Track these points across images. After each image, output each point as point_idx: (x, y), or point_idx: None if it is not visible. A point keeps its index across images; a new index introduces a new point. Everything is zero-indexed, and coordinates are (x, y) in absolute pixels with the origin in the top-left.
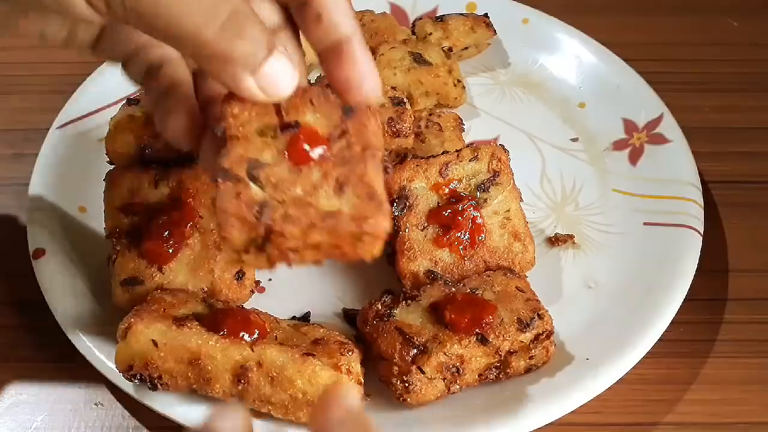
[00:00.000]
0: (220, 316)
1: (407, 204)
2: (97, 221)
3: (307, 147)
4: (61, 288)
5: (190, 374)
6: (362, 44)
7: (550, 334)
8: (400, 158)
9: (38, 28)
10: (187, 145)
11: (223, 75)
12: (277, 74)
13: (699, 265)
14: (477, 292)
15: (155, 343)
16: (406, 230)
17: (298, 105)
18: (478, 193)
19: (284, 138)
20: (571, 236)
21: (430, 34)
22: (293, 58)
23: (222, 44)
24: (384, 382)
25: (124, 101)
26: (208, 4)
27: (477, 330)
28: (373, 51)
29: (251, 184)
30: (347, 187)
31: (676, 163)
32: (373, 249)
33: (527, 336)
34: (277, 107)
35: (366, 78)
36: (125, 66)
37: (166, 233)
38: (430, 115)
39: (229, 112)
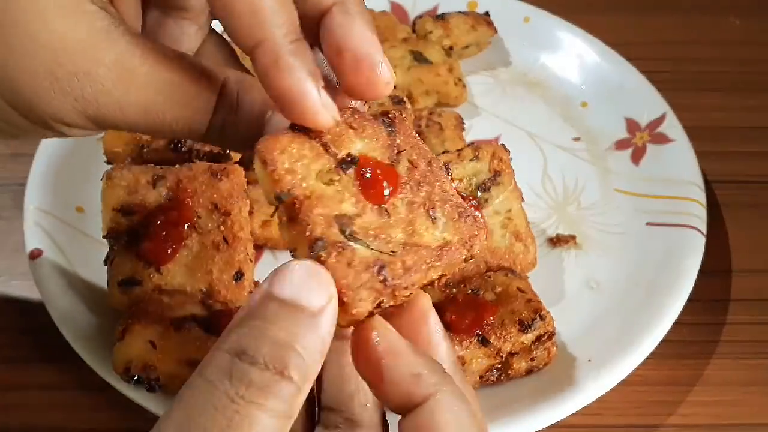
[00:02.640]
0: (219, 318)
1: None
2: (94, 221)
3: (381, 179)
4: (58, 288)
5: (187, 376)
6: (357, 8)
7: (551, 335)
8: None
9: None
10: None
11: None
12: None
13: (702, 265)
14: (478, 293)
15: (153, 345)
16: None
17: (341, 134)
18: (479, 193)
19: (348, 177)
20: (573, 236)
21: (431, 32)
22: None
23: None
24: None
25: None
26: None
27: (478, 331)
28: None
29: (354, 245)
30: (436, 211)
31: (678, 163)
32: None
33: (529, 337)
34: (324, 143)
35: (366, 48)
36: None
37: (164, 234)
38: (431, 114)
39: (280, 167)
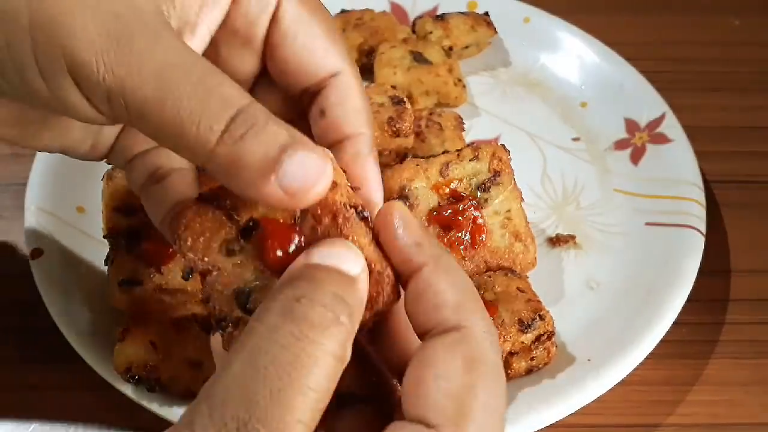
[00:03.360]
0: None
1: (407, 204)
2: (95, 221)
3: (270, 242)
4: (59, 288)
5: (188, 376)
6: (368, 147)
7: (551, 335)
8: (400, 158)
9: (59, 143)
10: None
11: (239, 183)
12: (307, 170)
13: (701, 265)
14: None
15: (154, 345)
16: None
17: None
18: (479, 193)
19: (250, 245)
20: (572, 236)
21: (431, 32)
22: (321, 150)
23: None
24: None
25: None
26: (214, 105)
27: None
28: (373, 50)
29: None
30: None
31: (678, 163)
32: None
33: (528, 337)
34: (228, 212)
35: (368, 185)
36: (126, 172)
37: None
38: (431, 114)
39: (183, 245)
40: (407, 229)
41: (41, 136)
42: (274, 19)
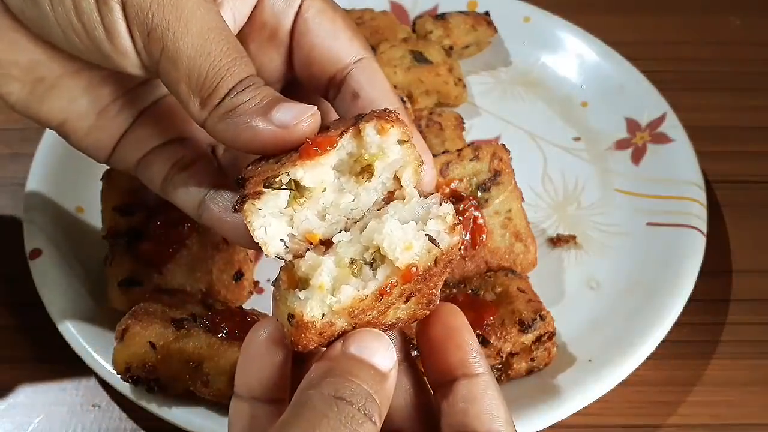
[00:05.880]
0: (219, 318)
1: None
2: (94, 221)
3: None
4: (58, 289)
5: (187, 376)
6: (410, 121)
7: (552, 335)
8: None
9: (62, 114)
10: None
11: (239, 124)
12: (297, 110)
13: (702, 265)
14: (478, 293)
15: (153, 345)
16: None
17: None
18: (479, 193)
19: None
20: (573, 236)
21: (431, 32)
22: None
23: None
24: None
25: None
26: (237, 68)
27: (478, 331)
28: (373, 49)
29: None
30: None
31: (678, 163)
32: None
33: (529, 337)
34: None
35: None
36: (139, 169)
37: (164, 234)
38: (431, 114)
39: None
40: (471, 334)
41: (48, 99)
42: (299, 12)
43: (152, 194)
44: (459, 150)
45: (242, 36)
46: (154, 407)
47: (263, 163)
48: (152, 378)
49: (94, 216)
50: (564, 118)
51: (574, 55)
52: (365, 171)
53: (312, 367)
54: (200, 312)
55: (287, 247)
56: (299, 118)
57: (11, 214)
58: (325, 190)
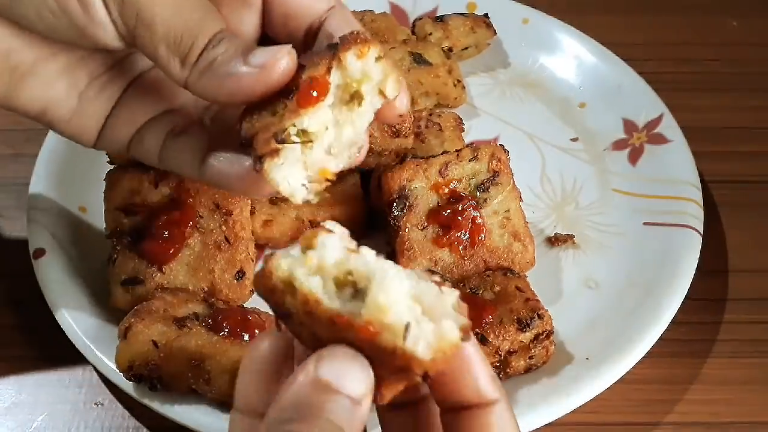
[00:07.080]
0: (221, 316)
1: (407, 204)
2: (97, 221)
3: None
4: (62, 288)
5: (190, 374)
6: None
7: (549, 333)
8: (400, 158)
9: (41, 102)
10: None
11: (218, 75)
12: (272, 51)
13: (699, 264)
14: (477, 292)
15: (155, 344)
16: (406, 230)
17: None
18: (478, 193)
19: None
20: (571, 236)
21: (430, 34)
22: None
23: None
24: None
25: None
26: (207, 27)
27: (476, 330)
28: None
29: None
30: None
31: (676, 163)
32: None
33: (527, 336)
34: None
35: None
36: (132, 146)
37: (166, 233)
38: (430, 115)
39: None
40: (486, 363)
41: (24, 87)
42: None
43: (155, 194)
44: (458, 150)
45: (215, 1)
46: (156, 405)
47: (257, 117)
48: (155, 376)
49: (97, 216)
50: (562, 119)
51: (572, 56)
52: (354, 97)
53: (281, 389)
54: (202, 311)
55: (308, 189)
56: (276, 56)
57: (14, 214)
58: (327, 128)
